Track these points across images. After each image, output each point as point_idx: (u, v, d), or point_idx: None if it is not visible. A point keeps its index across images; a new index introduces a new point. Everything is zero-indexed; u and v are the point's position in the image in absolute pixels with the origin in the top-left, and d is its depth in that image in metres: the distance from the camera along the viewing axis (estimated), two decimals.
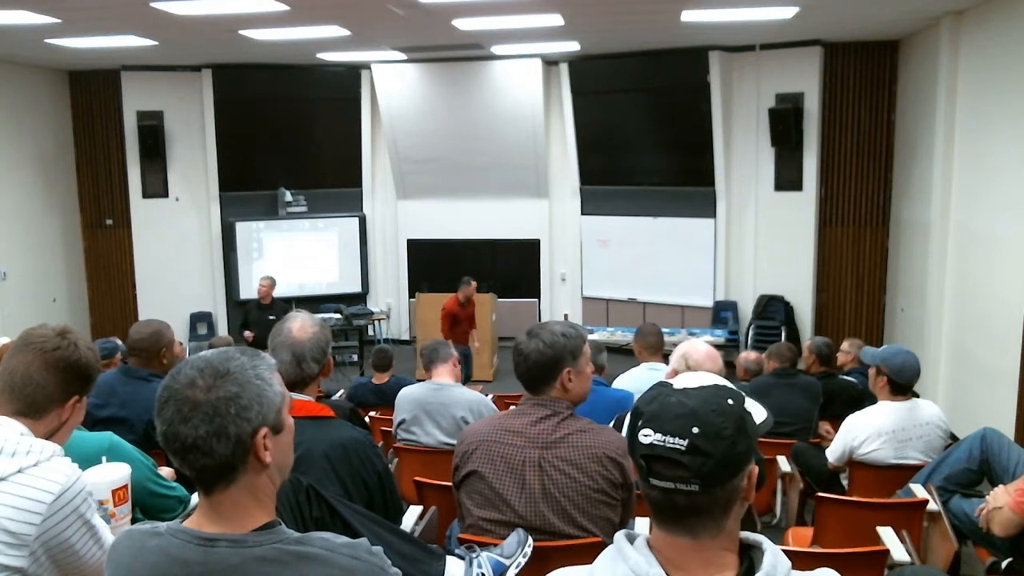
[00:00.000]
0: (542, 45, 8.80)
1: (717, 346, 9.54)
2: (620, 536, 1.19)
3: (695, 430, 1.10)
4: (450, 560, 2.09)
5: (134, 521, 2.11)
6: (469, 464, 2.39)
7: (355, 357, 9.94)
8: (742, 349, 8.37)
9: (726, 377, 1.29)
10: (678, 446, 1.10)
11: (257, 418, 1.26)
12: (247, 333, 8.20)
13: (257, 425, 1.26)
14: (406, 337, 10.83)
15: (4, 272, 9.11)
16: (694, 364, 3.05)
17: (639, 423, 1.14)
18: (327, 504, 1.89)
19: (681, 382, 1.20)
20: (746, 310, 9.43)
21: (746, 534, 1.19)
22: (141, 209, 10.31)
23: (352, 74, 10.19)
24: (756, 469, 1.16)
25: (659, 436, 1.11)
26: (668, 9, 6.81)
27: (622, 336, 9.29)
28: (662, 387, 1.20)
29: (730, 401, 1.14)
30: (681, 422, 1.11)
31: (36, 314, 8.99)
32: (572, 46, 8.83)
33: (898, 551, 2.80)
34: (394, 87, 9.89)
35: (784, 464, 4.25)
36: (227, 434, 1.23)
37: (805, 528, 3.62)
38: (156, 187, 10.31)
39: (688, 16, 7.02)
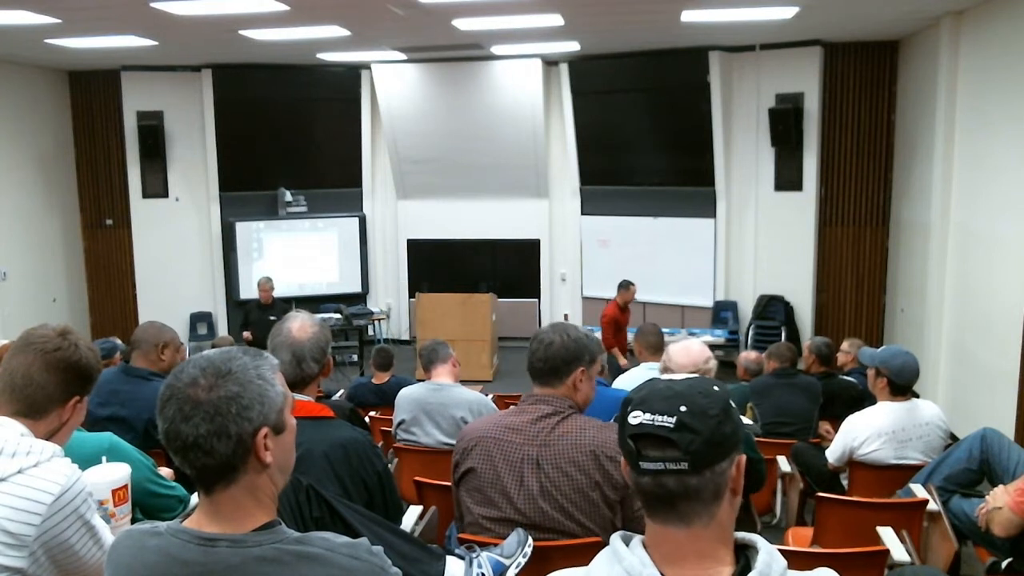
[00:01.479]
0: (542, 45, 8.80)
1: (717, 346, 9.54)
2: (616, 537, 1.20)
3: (683, 408, 1.13)
4: (450, 560, 2.09)
5: (134, 521, 2.11)
6: (468, 461, 2.39)
7: (355, 357, 9.95)
8: (742, 349, 8.37)
9: (724, 377, 1.30)
10: (667, 423, 1.12)
11: (258, 418, 1.26)
12: (246, 333, 8.20)
13: (258, 425, 1.26)
14: (406, 337, 10.83)
15: (4, 272, 9.11)
16: (675, 366, 3.06)
17: (628, 408, 1.16)
18: (327, 504, 1.89)
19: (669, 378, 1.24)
20: (746, 310, 9.43)
21: (741, 534, 1.19)
22: (141, 209, 10.31)
23: (352, 74, 10.19)
24: (744, 458, 1.18)
25: (648, 416, 1.13)
26: (668, 9, 6.81)
27: None
28: (649, 381, 1.23)
29: (715, 387, 1.18)
30: (669, 402, 1.14)
31: (36, 314, 9.00)
32: (572, 46, 8.83)
33: (898, 551, 2.80)
34: (394, 87, 9.89)
35: (784, 464, 4.25)
36: (228, 433, 1.23)
37: (805, 528, 3.62)
38: (156, 187, 10.32)
39: (688, 16, 7.02)
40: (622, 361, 7.67)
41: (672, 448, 1.11)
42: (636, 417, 1.14)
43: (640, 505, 1.19)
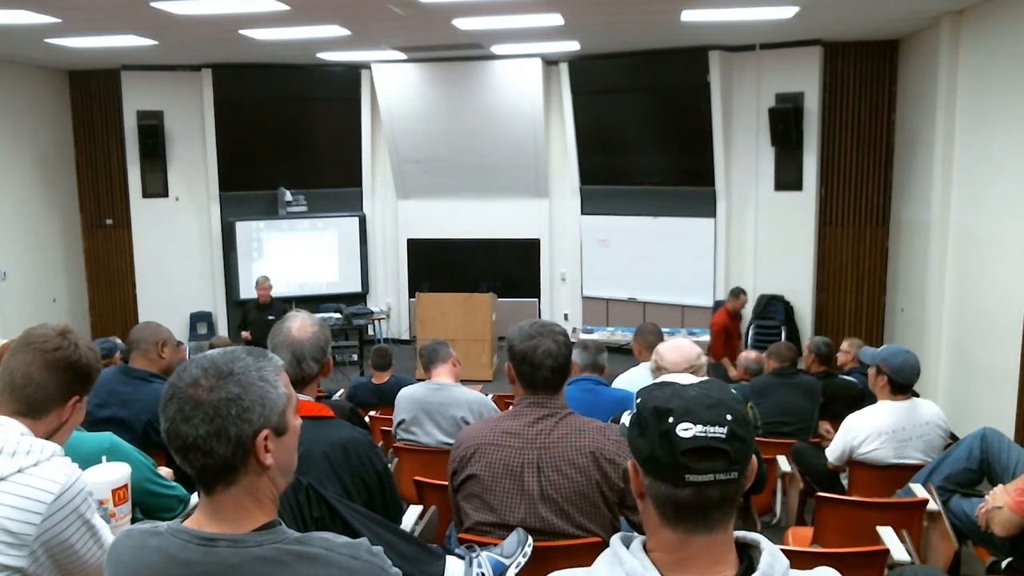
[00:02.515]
0: (542, 45, 8.80)
1: None
2: (616, 540, 1.19)
3: (729, 417, 1.11)
4: (450, 560, 2.09)
5: (134, 521, 2.11)
6: (468, 468, 2.38)
7: (355, 357, 9.95)
8: (742, 349, 8.36)
9: (723, 376, 1.29)
10: (719, 434, 1.10)
11: (259, 420, 1.26)
12: (244, 334, 8.19)
13: (259, 427, 1.25)
14: (406, 337, 10.83)
15: (4, 272, 9.11)
16: (670, 364, 3.01)
17: (670, 419, 1.12)
18: (327, 504, 1.89)
19: (676, 379, 1.21)
20: (746, 310, 9.41)
21: (744, 533, 1.19)
22: (141, 209, 10.30)
23: (352, 74, 10.19)
24: (755, 460, 1.17)
25: (700, 428, 1.10)
26: (668, 9, 6.81)
27: (622, 336, 9.29)
28: (667, 385, 1.19)
29: (733, 389, 1.18)
30: (716, 411, 1.12)
31: (36, 314, 8.99)
32: (572, 46, 8.82)
33: (898, 551, 2.80)
34: (394, 87, 9.89)
35: (784, 464, 4.25)
36: (227, 435, 1.23)
37: (805, 528, 3.62)
38: (156, 187, 10.31)
39: (688, 16, 7.02)
40: (732, 372, 6.92)
41: (722, 459, 1.10)
42: (688, 430, 1.10)
43: (653, 513, 1.16)
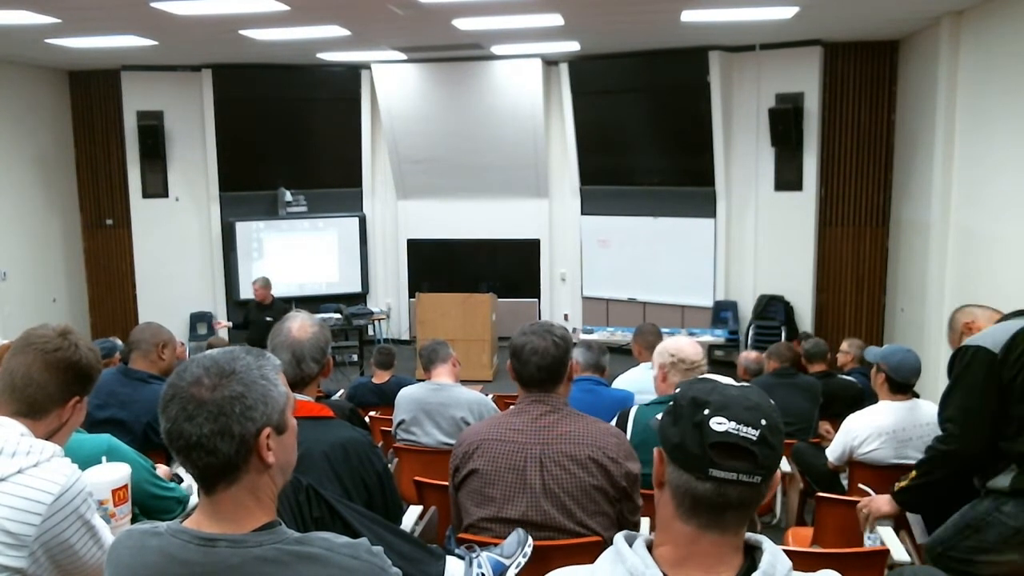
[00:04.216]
0: (542, 45, 8.80)
1: (717, 346, 9.49)
2: (619, 538, 1.19)
3: (763, 422, 1.12)
4: (450, 560, 2.09)
5: (134, 521, 2.11)
6: (470, 463, 2.39)
7: (355, 357, 9.95)
8: (742, 349, 8.37)
9: (724, 375, 1.29)
10: (751, 435, 1.11)
11: (261, 418, 1.26)
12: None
13: (261, 425, 1.26)
14: (406, 337, 10.83)
15: (4, 272, 9.11)
16: (693, 354, 3.05)
17: (706, 411, 1.13)
18: (327, 504, 1.89)
19: (717, 378, 1.23)
20: (746, 310, 9.42)
21: (747, 534, 1.19)
22: (141, 209, 10.31)
23: (352, 74, 10.19)
24: (779, 472, 1.18)
25: (733, 424, 1.11)
26: (668, 9, 6.81)
27: (622, 336, 9.28)
28: (708, 380, 1.20)
29: (771, 400, 1.18)
30: (752, 413, 1.12)
31: (36, 314, 9.00)
32: (572, 46, 8.83)
33: (898, 551, 2.80)
34: (394, 87, 9.89)
35: (784, 464, 4.25)
36: (231, 433, 1.23)
37: (805, 528, 3.62)
38: (156, 187, 10.32)
39: (688, 16, 7.02)
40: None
41: (749, 460, 1.11)
42: (721, 424, 1.11)
43: (669, 504, 1.17)
